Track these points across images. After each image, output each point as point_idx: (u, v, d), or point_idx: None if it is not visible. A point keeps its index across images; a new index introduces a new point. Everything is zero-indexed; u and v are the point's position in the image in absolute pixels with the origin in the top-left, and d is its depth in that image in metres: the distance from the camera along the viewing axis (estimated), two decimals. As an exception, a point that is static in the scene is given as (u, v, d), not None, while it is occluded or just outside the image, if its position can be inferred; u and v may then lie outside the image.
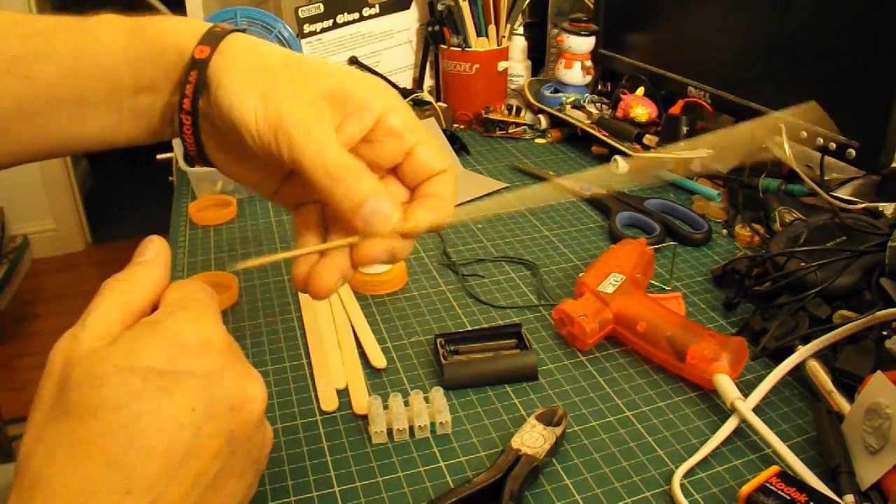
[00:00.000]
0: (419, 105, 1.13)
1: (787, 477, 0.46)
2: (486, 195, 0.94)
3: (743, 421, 0.53)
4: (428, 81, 1.27)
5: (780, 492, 0.44)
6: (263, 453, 0.35)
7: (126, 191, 3.25)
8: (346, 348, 0.64)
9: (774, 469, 0.47)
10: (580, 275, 0.68)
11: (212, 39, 0.38)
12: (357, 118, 0.37)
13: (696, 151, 0.94)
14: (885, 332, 0.55)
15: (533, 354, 0.61)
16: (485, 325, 0.67)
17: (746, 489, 0.45)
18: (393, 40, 1.23)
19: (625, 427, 0.55)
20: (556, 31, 1.19)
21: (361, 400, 0.58)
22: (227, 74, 0.37)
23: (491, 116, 1.15)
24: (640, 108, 0.99)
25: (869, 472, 0.47)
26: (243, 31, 0.40)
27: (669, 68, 0.99)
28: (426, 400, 0.56)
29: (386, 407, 0.55)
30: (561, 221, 0.87)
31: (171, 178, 1.10)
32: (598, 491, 0.49)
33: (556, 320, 0.65)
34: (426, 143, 0.39)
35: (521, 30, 1.22)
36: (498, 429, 0.55)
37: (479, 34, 1.16)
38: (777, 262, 0.67)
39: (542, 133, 1.15)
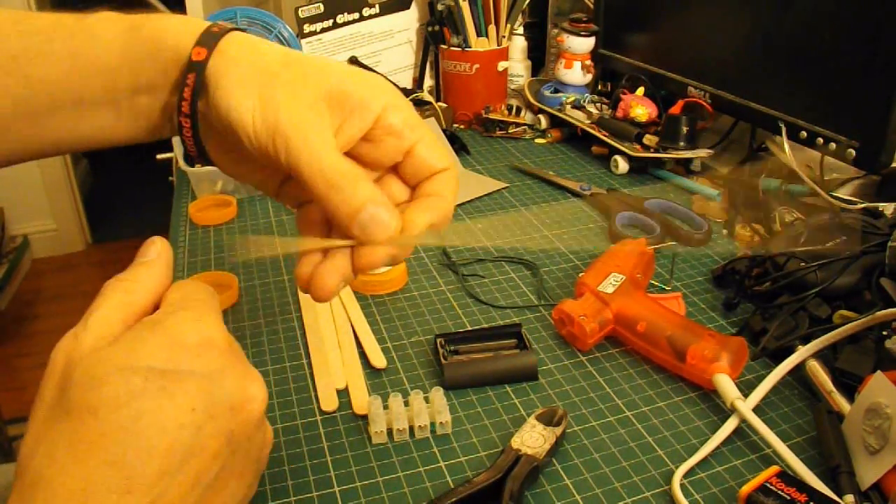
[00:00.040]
0: (419, 105, 1.13)
1: (787, 477, 0.46)
2: (486, 195, 0.94)
3: (743, 421, 0.53)
4: (428, 81, 1.27)
5: (780, 492, 0.44)
6: (264, 453, 0.35)
7: (126, 191, 3.25)
8: (346, 348, 0.64)
9: (774, 469, 0.47)
10: (580, 275, 0.68)
11: (209, 40, 0.37)
12: (357, 118, 0.37)
13: (697, 152, 0.94)
14: (885, 332, 0.55)
15: (533, 354, 0.61)
16: (485, 325, 0.68)
17: (746, 489, 0.45)
18: (393, 40, 1.23)
19: (625, 427, 0.55)
20: (556, 31, 1.19)
21: (361, 400, 0.58)
22: (224, 76, 0.36)
23: (491, 116, 1.15)
24: (640, 108, 0.99)
25: (869, 472, 0.47)
26: (243, 30, 0.39)
27: (669, 68, 0.99)
28: (426, 400, 0.56)
29: (386, 407, 0.55)
30: (561, 221, 0.87)
31: (171, 178, 1.10)
32: (598, 491, 0.49)
33: (556, 320, 0.65)
34: (427, 141, 0.39)
35: (521, 30, 1.22)
36: (498, 429, 0.55)
37: (479, 34, 1.16)
38: (777, 262, 0.67)
39: (542, 133, 1.15)
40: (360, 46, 1.19)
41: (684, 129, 0.93)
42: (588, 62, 1.14)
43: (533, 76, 1.26)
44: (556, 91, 1.15)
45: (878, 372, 0.49)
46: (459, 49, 1.16)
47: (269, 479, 0.50)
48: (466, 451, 0.53)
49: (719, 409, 0.56)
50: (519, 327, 0.64)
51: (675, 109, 0.96)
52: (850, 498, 0.46)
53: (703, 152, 0.94)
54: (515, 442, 0.51)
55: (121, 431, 0.28)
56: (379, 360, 0.62)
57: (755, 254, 0.72)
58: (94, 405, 0.28)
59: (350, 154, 0.39)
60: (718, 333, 0.59)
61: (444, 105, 1.17)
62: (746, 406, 0.54)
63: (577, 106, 1.09)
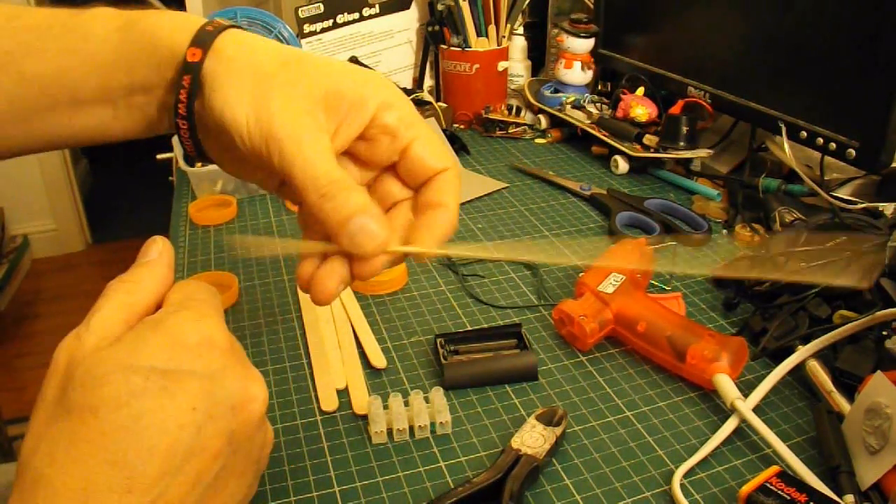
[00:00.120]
0: (419, 105, 1.13)
1: (787, 477, 0.46)
2: (486, 195, 0.94)
3: (743, 421, 0.53)
4: (428, 81, 1.27)
5: (780, 492, 0.44)
6: (264, 453, 0.35)
7: (126, 191, 3.25)
8: (346, 348, 0.64)
9: (774, 469, 0.47)
10: (580, 275, 0.68)
11: (205, 39, 0.37)
12: (353, 119, 0.37)
13: (697, 152, 0.94)
14: (885, 332, 0.55)
15: (533, 354, 0.61)
16: (485, 325, 0.68)
17: (746, 489, 0.45)
18: (393, 40, 1.23)
19: (625, 427, 0.55)
20: (556, 31, 1.19)
21: (361, 400, 0.58)
22: (219, 77, 0.36)
23: (491, 116, 1.15)
24: (640, 108, 0.99)
25: (869, 472, 0.47)
26: (240, 27, 0.39)
27: (669, 68, 0.99)
28: (426, 400, 0.56)
29: (386, 407, 0.55)
30: (561, 221, 0.87)
31: (171, 178, 1.10)
32: (598, 491, 0.49)
33: (556, 320, 0.65)
34: (423, 139, 0.38)
35: (521, 30, 1.22)
36: (498, 429, 0.55)
37: (479, 34, 1.16)
38: (777, 262, 0.67)
39: (542, 133, 1.15)
40: (360, 46, 1.19)
41: (684, 129, 0.93)
42: (588, 62, 1.14)
43: (533, 76, 1.26)
44: (556, 91, 1.15)
45: (878, 372, 0.49)
46: (459, 49, 1.16)
47: (269, 479, 0.50)
48: (466, 451, 0.53)
49: (719, 409, 0.56)
50: (519, 327, 0.64)
51: (675, 109, 0.96)
52: (850, 498, 0.46)
53: (703, 152, 0.94)
54: (515, 442, 0.51)
55: (121, 431, 0.28)
56: (379, 360, 0.62)
57: (755, 254, 0.72)
58: (94, 405, 0.28)
59: (347, 153, 0.39)
60: (718, 333, 0.59)
61: (444, 105, 1.17)
62: (746, 406, 0.54)
63: (577, 106, 1.09)
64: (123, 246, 2.73)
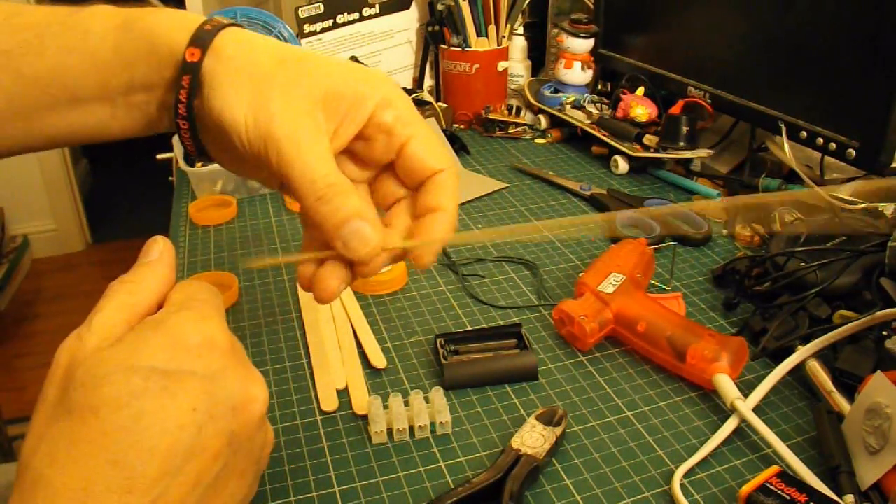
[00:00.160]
0: (419, 105, 1.13)
1: (787, 477, 0.46)
2: (486, 195, 0.94)
3: (743, 421, 0.53)
4: (428, 81, 1.27)
5: (780, 492, 0.44)
6: (264, 454, 0.35)
7: (126, 191, 3.25)
8: (346, 348, 0.64)
9: (774, 469, 0.47)
10: (580, 275, 0.68)
11: (203, 39, 0.36)
12: (352, 118, 0.37)
13: (697, 152, 0.94)
14: (885, 332, 0.55)
15: (533, 354, 0.61)
16: (485, 325, 0.68)
17: (746, 489, 0.45)
18: (393, 40, 1.23)
19: (625, 427, 0.55)
20: (556, 31, 1.19)
21: (361, 400, 0.58)
22: (218, 77, 0.36)
23: (491, 116, 1.15)
24: (640, 108, 0.99)
25: (869, 472, 0.47)
26: (238, 25, 0.39)
27: (669, 68, 0.99)
28: (426, 400, 0.56)
29: (386, 407, 0.55)
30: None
31: (171, 178, 1.10)
32: (598, 491, 0.49)
33: (556, 320, 0.66)
34: (420, 137, 0.38)
35: (521, 30, 1.22)
36: (498, 429, 0.55)
37: (479, 34, 1.16)
38: (777, 262, 0.67)
39: (542, 133, 1.15)
40: (360, 46, 1.19)
41: (684, 129, 0.94)
42: (588, 62, 1.14)
43: (533, 76, 1.26)
44: (556, 91, 1.15)
45: (878, 372, 0.49)
46: (459, 49, 1.16)
47: (269, 479, 0.50)
48: (466, 451, 0.53)
49: (719, 409, 0.56)
50: (519, 327, 0.64)
51: (675, 109, 0.96)
52: (850, 498, 0.46)
53: (703, 152, 0.94)
54: (515, 442, 0.51)
55: (122, 431, 0.28)
56: (379, 360, 0.62)
57: (755, 254, 0.72)
58: (95, 405, 0.28)
59: (346, 151, 0.39)
60: (718, 333, 0.59)
61: (444, 105, 1.17)
62: (746, 406, 0.54)
63: (577, 106, 1.09)
64: (123, 246, 2.73)
